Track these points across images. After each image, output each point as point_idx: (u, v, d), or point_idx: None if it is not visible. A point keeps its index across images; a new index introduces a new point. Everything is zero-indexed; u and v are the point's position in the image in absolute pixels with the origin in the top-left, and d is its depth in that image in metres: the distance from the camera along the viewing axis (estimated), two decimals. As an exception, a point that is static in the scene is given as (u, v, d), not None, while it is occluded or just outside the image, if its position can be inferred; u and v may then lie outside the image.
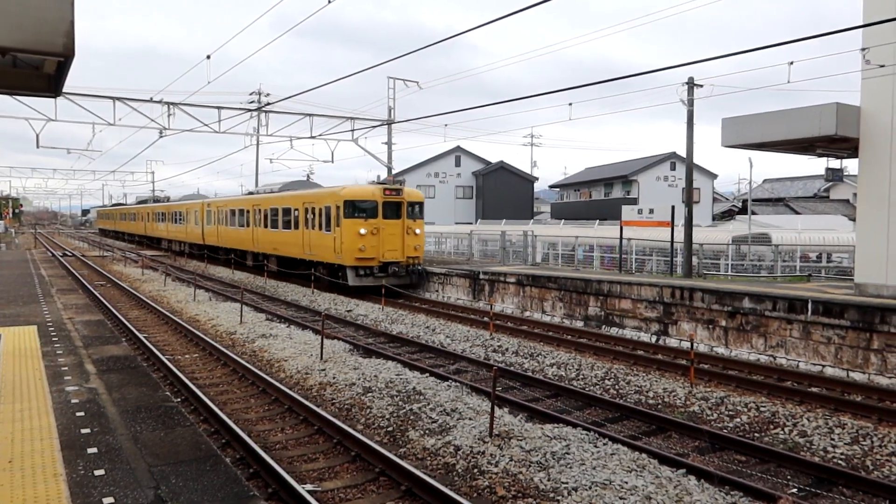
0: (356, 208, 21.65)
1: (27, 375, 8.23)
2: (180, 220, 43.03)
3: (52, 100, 23.19)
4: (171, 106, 25.65)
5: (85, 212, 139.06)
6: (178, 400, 9.66)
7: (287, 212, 26.08)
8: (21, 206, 78.04)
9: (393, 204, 22.14)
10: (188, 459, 5.71)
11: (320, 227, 23.10)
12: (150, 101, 25.50)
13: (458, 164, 54.27)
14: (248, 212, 30.43)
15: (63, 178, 74.26)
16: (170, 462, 5.63)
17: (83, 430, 6.26)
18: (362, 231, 21.33)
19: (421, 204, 23.05)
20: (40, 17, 5.23)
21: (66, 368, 8.78)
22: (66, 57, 5.54)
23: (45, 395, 7.35)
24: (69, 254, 42.97)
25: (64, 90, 9.30)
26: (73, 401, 7.25)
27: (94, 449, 5.80)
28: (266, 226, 28.14)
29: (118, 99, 24.91)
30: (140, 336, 14.46)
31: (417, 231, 22.56)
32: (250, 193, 37.13)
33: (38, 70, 6.79)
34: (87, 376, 8.46)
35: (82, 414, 6.80)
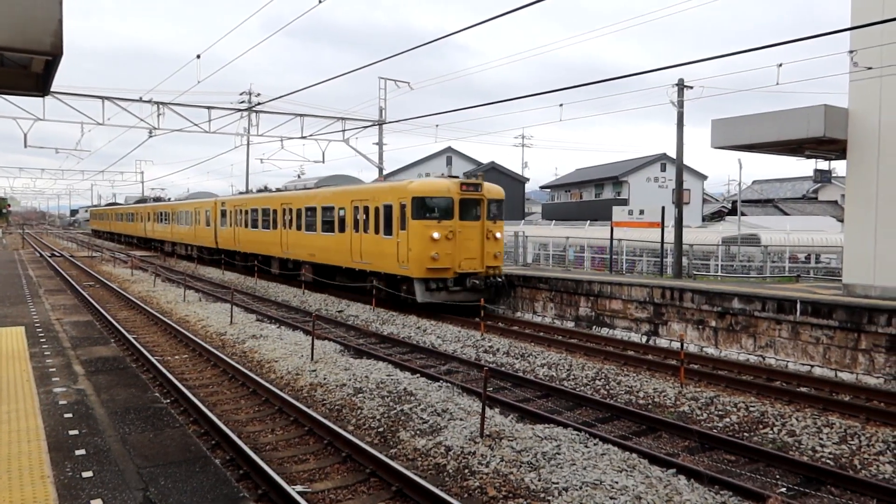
0: (427, 207, 17.83)
1: (14, 377, 8.16)
2: (188, 221, 38.32)
3: (40, 99, 23.06)
4: (160, 106, 25.55)
5: (73, 212, 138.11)
6: (168, 401, 9.61)
7: (329, 211, 22.03)
8: (9, 206, 77.32)
9: (471, 202, 18.32)
10: (177, 461, 5.68)
11: (376, 230, 19.09)
12: (140, 100, 25.41)
13: (449, 164, 54.26)
14: (274, 211, 26.26)
15: (51, 177, 73.94)
16: (159, 464, 5.60)
17: (71, 432, 6.22)
18: (435, 235, 17.40)
19: (501, 202, 19.25)
20: (28, 16, 5.19)
21: (53, 370, 8.72)
22: (54, 56, 5.51)
23: (32, 397, 7.29)
24: (57, 254, 42.67)
25: (52, 89, 9.23)
26: (61, 402, 7.20)
27: (83, 451, 5.76)
28: (299, 228, 24.08)
29: (107, 98, 24.79)
30: (129, 337, 14.37)
31: (498, 235, 18.73)
32: (265, 189, 34.75)
33: (26, 69, 6.75)
34: (75, 377, 8.40)
35: (70, 415, 6.75)
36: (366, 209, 19.75)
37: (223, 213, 32.52)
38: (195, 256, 36.07)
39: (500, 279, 18.60)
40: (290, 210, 24.86)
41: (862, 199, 13.91)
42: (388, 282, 18.99)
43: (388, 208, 18.61)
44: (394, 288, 18.83)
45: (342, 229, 21.02)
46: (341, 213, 21.22)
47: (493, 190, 19.03)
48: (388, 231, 18.54)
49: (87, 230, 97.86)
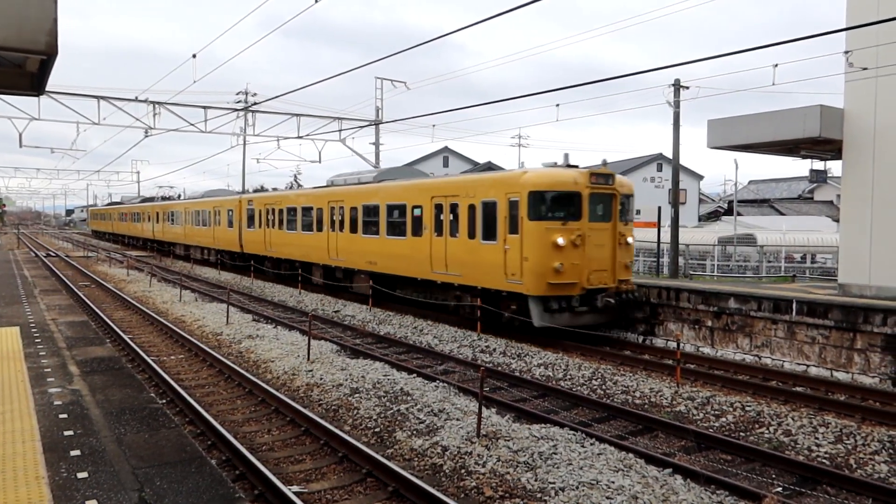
0: (549, 204, 14.19)
1: (9, 377, 8.13)
2: (206, 221, 34.41)
3: (35, 98, 23.01)
4: (156, 105, 25.51)
5: (69, 212, 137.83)
6: (164, 401, 9.58)
7: (398, 210, 18.32)
8: (4, 206, 77.06)
9: (601, 198, 14.63)
10: (173, 461, 5.67)
11: (471, 234, 15.44)
12: (136, 100, 25.37)
13: (446, 164, 54.30)
14: (319, 210, 22.55)
15: (47, 177, 73.73)
16: (154, 464, 5.59)
17: (66, 433, 6.20)
18: (560, 241, 13.77)
19: (631, 198, 15.51)
20: (23, 15, 5.17)
21: (49, 370, 8.70)
22: (48, 55, 5.48)
23: (27, 397, 7.26)
24: (53, 254, 42.56)
25: (47, 89, 9.21)
26: (56, 402, 7.18)
27: (78, 451, 5.74)
28: (354, 230, 20.29)
29: (103, 98, 24.74)
30: (125, 337, 14.33)
31: (630, 240, 15.16)
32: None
33: (21, 68, 6.72)
34: (70, 378, 8.38)
35: (65, 416, 6.73)
36: (453, 207, 16.05)
37: (250, 213, 28.57)
38: (214, 261, 33.30)
39: (633, 295, 15.22)
40: (342, 209, 21.01)
41: (858, 199, 13.95)
42: (485, 298, 15.42)
43: (490, 206, 14.93)
44: (492, 306, 15.34)
45: (417, 232, 17.34)
46: (416, 211, 17.40)
47: (624, 183, 15.30)
48: (490, 235, 14.91)
49: (82, 230, 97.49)
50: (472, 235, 15.46)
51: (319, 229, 22.49)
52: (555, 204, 14.26)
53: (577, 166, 15.10)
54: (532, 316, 14.09)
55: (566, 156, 15.57)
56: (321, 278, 22.84)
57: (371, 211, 19.58)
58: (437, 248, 16.57)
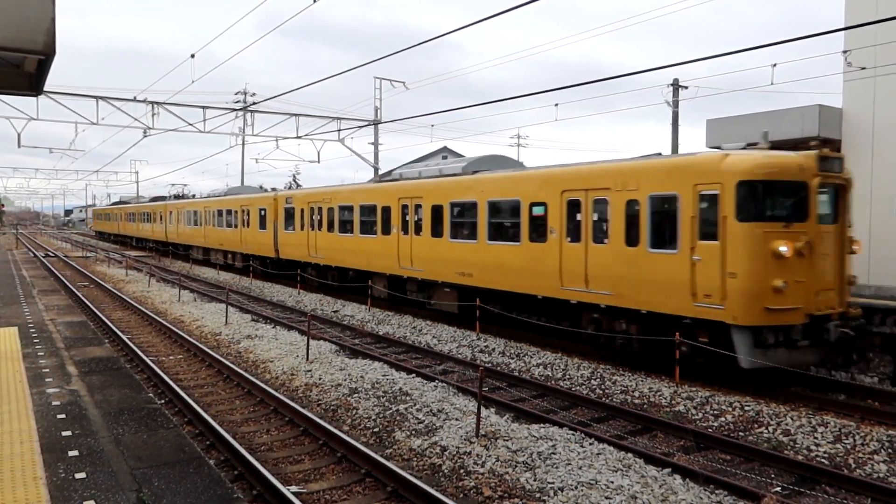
0: (767, 199, 10.55)
1: (7, 378, 8.13)
2: (232, 222, 30.75)
3: (34, 98, 23.01)
4: (155, 105, 25.51)
5: (68, 212, 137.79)
6: (162, 402, 9.57)
7: (506, 209, 14.74)
8: (2, 206, 77.03)
9: (828, 190, 10.92)
10: (171, 462, 5.67)
11: (631, 240, 11.72)
12: (134, 100, 25.38)
13: (444, 164, 54.22)
14: (385, 210, 18.87)
15: (45, 177, 73.63)
16: (153, 464, 5.58)
17: (64, 433, 6.20)
18: (783, 249, 10.05)
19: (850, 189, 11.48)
20: (21, 15, 5.17)
21: (47, 370, 8.69)
22: (46, 55, 5.48)
23: (25, 398, 7.26)
24: (51, 254, 42.53)
25: (45, 89, 9.21)
26: (55, 403, 7.18)
27: (76, 452, 5.74)
28: (438, 234, 16.62)
29: (101, 98, 24.74)
30: (123, 337, 14.32)
31: (856, 248, 11.36)
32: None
33: (19, 68, 6.72)
34: (68, 378, 8.37)
35: (63, 416, 6.72)
36: (598, 203, 12.47)
37: (289, 213, 25.04)
38: (241, 267, 30.14)
39: (862, 322, 11.14)
40: (418, 207, 17.46)
41: (856, 198, 13.96)
42: (645, 326, 11.86)
43: (665, 202, 11.27)
44: (653, 332, 11.66)
45: (538, 237, 13.73)
46: (536, 210, 13.89)
47: (850, 171, 11.53)
48: (665, 241, 11.26)
49: (81, 230, 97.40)
50: (632, 242, 11.74)
51: (386, 232, 18.79)
52: (775, 198, 10.64)
53: (779, 147, 11.51)
54: (738, 352, 10.34)
55: (765, 133, 11.50)
56: (385, 290, 19.21)
57: (465, 210, 15.93)
58: (570, 258, 12.93)
